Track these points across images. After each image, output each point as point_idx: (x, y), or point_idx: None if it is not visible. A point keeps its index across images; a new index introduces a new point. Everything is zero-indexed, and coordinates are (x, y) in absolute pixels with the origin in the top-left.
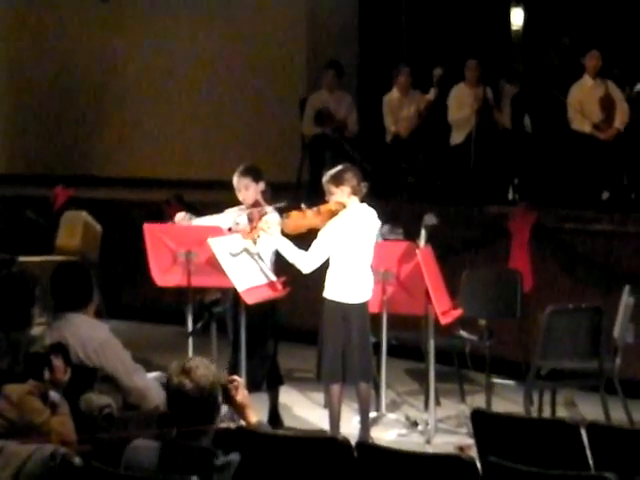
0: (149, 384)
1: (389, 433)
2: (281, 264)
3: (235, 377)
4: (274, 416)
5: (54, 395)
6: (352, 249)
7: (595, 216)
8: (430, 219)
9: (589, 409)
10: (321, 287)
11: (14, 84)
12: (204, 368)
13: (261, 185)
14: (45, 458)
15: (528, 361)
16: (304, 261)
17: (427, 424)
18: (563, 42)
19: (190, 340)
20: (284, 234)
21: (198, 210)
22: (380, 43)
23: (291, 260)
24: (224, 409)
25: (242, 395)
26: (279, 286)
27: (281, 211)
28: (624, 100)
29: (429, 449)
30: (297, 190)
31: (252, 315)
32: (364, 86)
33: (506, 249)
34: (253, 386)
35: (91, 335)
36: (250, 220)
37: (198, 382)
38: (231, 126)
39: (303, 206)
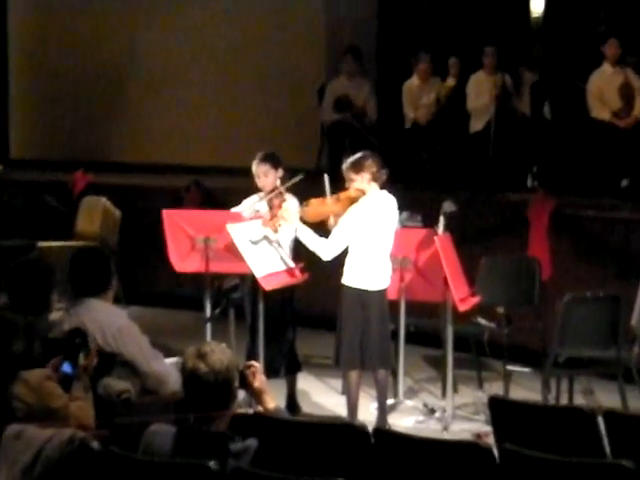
0: (167, 369)
1: (406, 420)
2: (299, 250)
3: (253, 363)
4: (292, 402)
5: (85, 380)
6: (372, 236)
7: (614, 204)
8: (449, 206)
9: (606, 397)
10: (339, 273)
11: (34, 70)
12: (219, 352)
13: (280, 172)
14: (63, 442)
15: (546, 349)
16: (325, 248)
17: (444, 411)
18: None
19: (208, 326)
20: (304, 221)
21: (216, 196)
22: (399, 29)
23: (312, 247)
24: (241, 395)
25: (260, 381)
26: (297, 272)
27: (300, 194)
28: None
29: (446, 436)
30: (316, 177)
31: (271, 301)
32: (383, 73)
33: (525, 236)
34: (271, 372)
35: (109, 321)
36: (270, 207)
37: (213, 366)
38: (250, 112)
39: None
